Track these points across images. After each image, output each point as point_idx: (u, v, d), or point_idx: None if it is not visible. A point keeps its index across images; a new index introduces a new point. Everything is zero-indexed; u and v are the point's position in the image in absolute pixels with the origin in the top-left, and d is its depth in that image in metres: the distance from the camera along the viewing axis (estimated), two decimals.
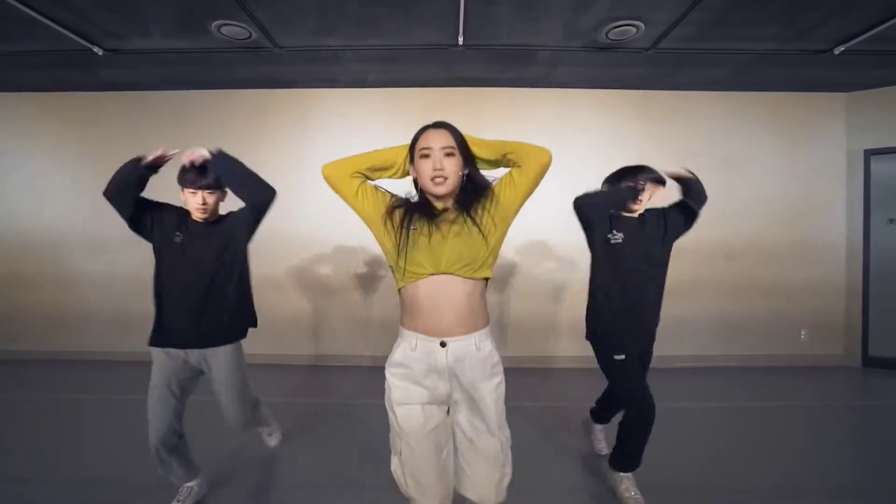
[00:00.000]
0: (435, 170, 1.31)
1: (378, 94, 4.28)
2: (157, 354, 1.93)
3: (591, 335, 2.16)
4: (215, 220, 2.03)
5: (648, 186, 2.06)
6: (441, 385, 1.34)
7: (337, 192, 1.41)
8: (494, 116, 4.33)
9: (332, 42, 3.42)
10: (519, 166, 1.37)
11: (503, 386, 1.40)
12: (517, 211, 1.40)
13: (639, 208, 2.10)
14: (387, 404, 1.38)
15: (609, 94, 4.34)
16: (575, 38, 3.33)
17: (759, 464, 2.47)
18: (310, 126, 4.34)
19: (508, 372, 1.44)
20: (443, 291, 1.29)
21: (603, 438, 2.54)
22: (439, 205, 1.38)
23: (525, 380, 3.86)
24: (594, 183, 4.31)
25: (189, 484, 2.10)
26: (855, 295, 4.39)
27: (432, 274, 1.29)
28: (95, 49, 3.47)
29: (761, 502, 2.15)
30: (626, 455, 2.07)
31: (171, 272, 1.94)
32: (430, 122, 1.43)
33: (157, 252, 1.96)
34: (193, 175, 1.89)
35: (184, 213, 1.99)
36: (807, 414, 3.22)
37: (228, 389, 2.01)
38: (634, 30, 3.18)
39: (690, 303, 4.33)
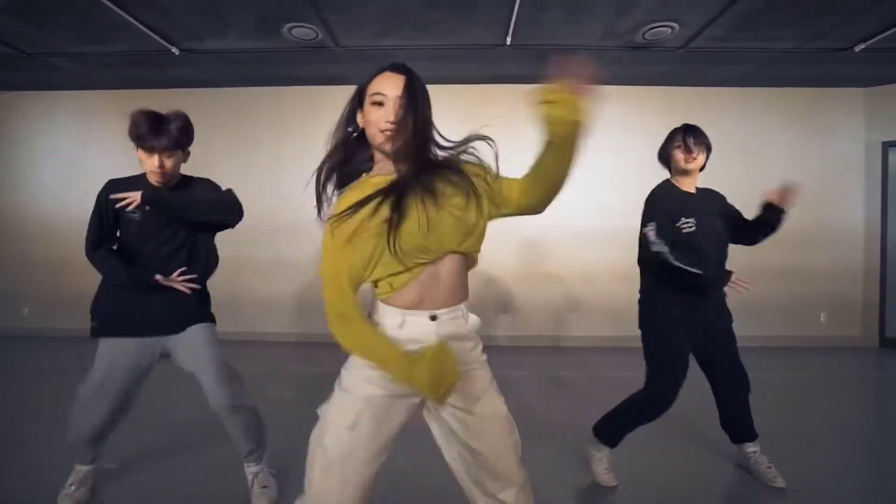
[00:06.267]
0: (387, 122, 1.02)
1: None
2: None
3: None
4: (176, 184, 1.79)
5: (695, 149, 1.93)
6: None
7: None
8: (530, 112, 4.64)
9: (388, 42, 3.74)
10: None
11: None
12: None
13: (693, 167, 1.95)
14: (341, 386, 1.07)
15: (636, 90, 4.64)
16: (613, 38, 3.63)
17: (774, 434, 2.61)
18: None
19: None
20: None
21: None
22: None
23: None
24: (613, 171, 4.60)
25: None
26: (872, 279, 4.64)
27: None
28: (173, 49, 3.83)
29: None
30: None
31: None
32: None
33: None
34: (148, 131, 1.64)
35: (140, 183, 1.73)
36: (826, 388, 3.46)
37: None
38: (669, 30, 3.48)
39: None
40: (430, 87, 4.09)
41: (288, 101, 4.73)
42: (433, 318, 1.03)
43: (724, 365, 1.99)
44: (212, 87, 4.72)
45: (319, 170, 1.09)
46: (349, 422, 1.01)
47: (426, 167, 1.04)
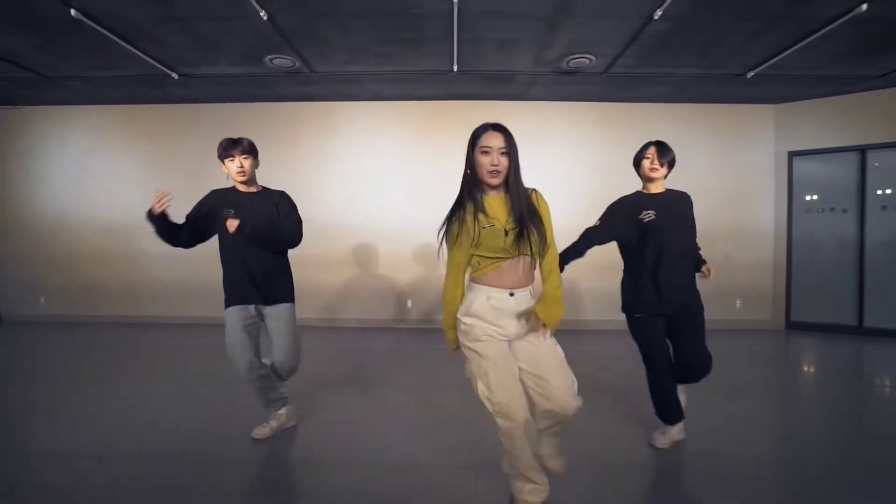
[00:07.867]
0: (493, 165, 1.61)
1: (390, 107, 5.29)
2: None
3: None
4: (259, 190, 2.35)
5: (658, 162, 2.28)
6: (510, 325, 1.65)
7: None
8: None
9: (355, 68, 4.41)
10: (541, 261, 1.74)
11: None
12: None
13: (656, 176, 2.29)
14: (467, 343, 1.64)
15: (577, 105, 5.33)
16: (543, 65, 4.31)
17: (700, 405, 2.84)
18: (334, 132, 5.36)
19: None
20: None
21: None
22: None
23: None
24: (564, 177, 5.29)
25: (280, 412, 2.46)
26: (780, 271, 5.36)
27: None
28: (173, 74, 4.48)
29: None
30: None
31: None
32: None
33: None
34: (229, 143, 2.24)
35: (227, 192, 2.31)
36: (740, 364, 4.02)
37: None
38: (588, 61, 4.16)
39: None
40: (394, 104, 5.04)
41: (270, 116, 5.39)
42: (511, 294, 1.66)
43: (689, 345, 2.34)
44: (204, 102, 5.38)
45: (460, 198, 1.69)
46: (484, 371, 1.60)
47: (520, 196, 1.64)
